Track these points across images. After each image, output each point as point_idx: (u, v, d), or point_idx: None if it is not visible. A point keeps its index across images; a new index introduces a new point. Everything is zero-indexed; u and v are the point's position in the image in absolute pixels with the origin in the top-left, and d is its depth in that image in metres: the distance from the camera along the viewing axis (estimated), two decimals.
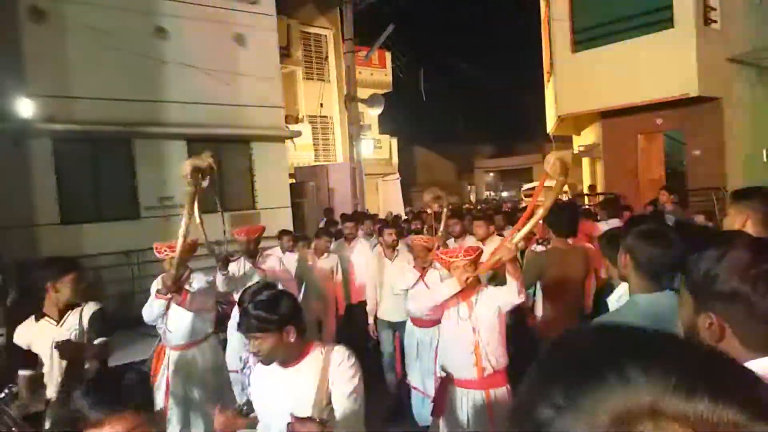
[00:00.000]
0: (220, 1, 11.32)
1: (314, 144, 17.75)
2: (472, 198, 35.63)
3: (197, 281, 4.30)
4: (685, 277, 1.38)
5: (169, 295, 3.95)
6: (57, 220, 9.33)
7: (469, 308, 3.52)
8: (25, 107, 8.76)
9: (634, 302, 2.18)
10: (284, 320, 2.21)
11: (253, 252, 5.11)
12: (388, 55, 21.01)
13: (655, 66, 11.35)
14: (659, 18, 11.60)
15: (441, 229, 5.53)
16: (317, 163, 16.49)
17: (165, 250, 4.21)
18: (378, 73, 20.82)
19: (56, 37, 9.30)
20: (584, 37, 13.01)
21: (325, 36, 18.46)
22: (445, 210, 5.62)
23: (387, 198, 19.30)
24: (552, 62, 14.54)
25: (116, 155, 10.19)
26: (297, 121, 16.78)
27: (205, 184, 4.06)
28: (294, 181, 14.18)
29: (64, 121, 9.21)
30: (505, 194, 37.80)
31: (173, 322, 4.21)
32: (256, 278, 4.74)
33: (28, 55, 9.02)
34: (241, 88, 11.50)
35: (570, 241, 4.48)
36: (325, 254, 6.25)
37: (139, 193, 10.41)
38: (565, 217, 4.44)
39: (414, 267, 4.85)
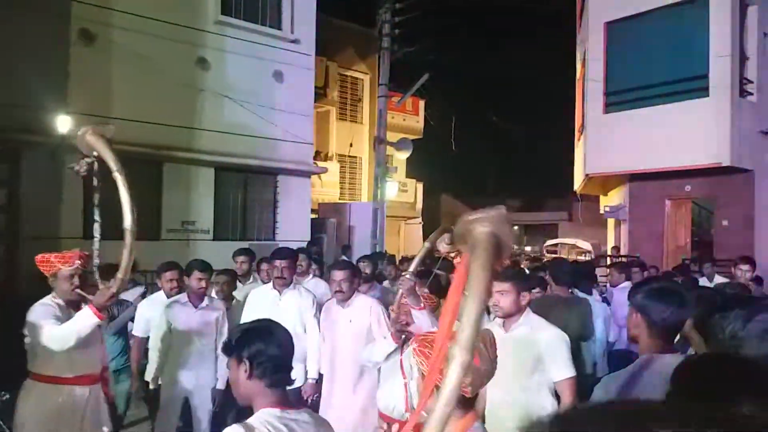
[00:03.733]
0: (262, 38, 11.72)
1: (341, 182, 17.95)
2: None
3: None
4: (704, 339, 1.33)
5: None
6: (80, 234, 9.51)
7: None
8: (65, 124, 9.07)
9: (648, 363, 2.10)
10: None
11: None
12: (421, 103, 21.35)
13: (687, 133, 11.29)
14: (695, 86, 11.59)
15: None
16: (341, 201, 16.64)
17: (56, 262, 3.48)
18: (410, 119, 21.13)
19: (102, 59, 9.69)
20: (617, 99, 13.05)
21: (362, 80, 18.89)
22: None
23: (408, 241, 19.30)
24: (583, 121, 14.59)
25: (145, 176, 10.41)
26: (327, 158, 17.03)
27: (82, 168, 3.23)
28: (316, 216, 14.29)
29: None
30: (528, 248, 37.48)
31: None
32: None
33: (73, 75, 9.40)
34: (273, 122, 11.77)
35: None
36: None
37: (163, 215, 10.59)
38: (566, 267, 4.81)
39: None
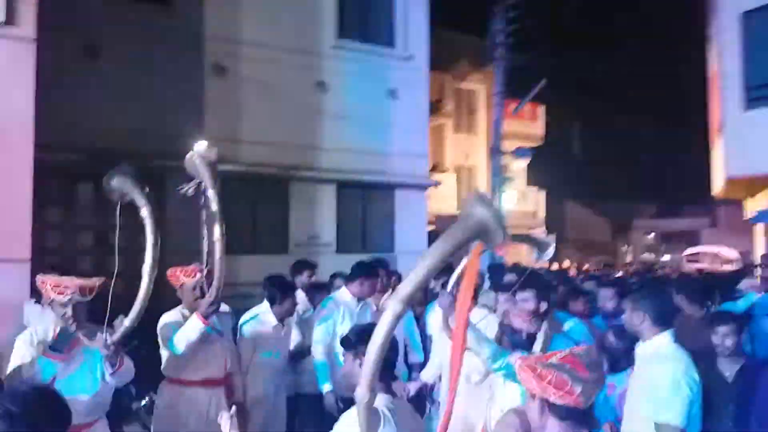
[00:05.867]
0: (377, 58, 12.14)
1: (458, 193, 17.94)
2: (628, 259, 33.30)
3: None
4: None
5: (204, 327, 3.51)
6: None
7: None
8: (202, 147, 9.99)
9: None
10: None
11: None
12: (540, 109, 20.82)
13: None
14: None
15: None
16: (458, 212, 16.59)
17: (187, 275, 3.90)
18: (529, 126, 20.66)
19: (232, 88, 10.57)
20: (759, 94, 11.86)
21: (476, 91, 18.82)
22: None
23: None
24: (721, 120, 13.41)
25: (273, 194, 11.16)
26: (443, 170, 17.14)
27: (190, 189, 3.49)
28: (434, 227, 14.41)
29: (231, 162, 10.34)
30: (666, 258, 34.84)
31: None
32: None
33: (208, 104, 10.34)
34: (390, 138, 12.11)
35: None
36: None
37: (290, 230, 11.26)
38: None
39: None
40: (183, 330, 3.55)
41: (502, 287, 4.55)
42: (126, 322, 2.99)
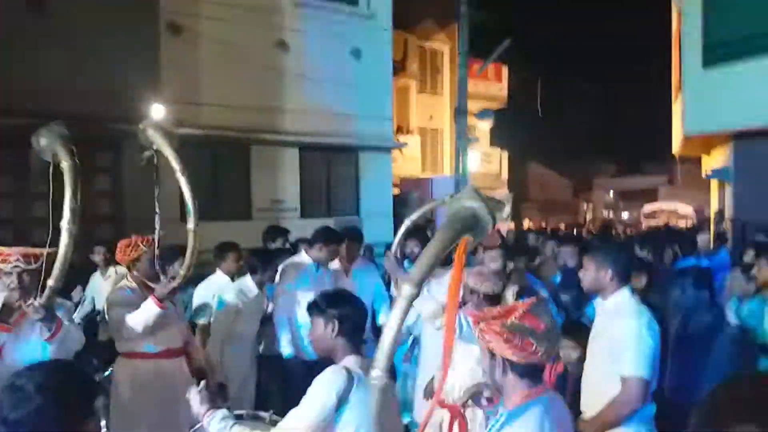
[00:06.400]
0: (339, 17, 11.82)
1: (422, 156, 17.90)
2: (589, 217, 34.11)
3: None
4: None
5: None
6: (177, 216, 10.14)
7: None
8: (158, 112, 9.65)
9: None
10: None
11: None
12: (504, 70, 20.74)
13: None
14: None
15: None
16: (423, 176, 16.62)
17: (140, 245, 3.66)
18: (493, 87, 20.61)
19: (189, 49, 10.17)
20: (718, 53, 12.02)
21: (441, 50, 18.62)
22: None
23: None
24: (681, 78, 13.60)
25: (234, 159, 10.92)
26: (407, 132, 17.03)
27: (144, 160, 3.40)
28: (398, 191, 14.39)
29: (190, 126, 10.02)
30: (625, 215, 35.81)
31: None
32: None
33: (164, 64, 9.93)
34: (353, 99, 11.90)
35: None
36: None
37: (253, 196, 11.07)
38: None
39: None
40: (139, 314, 3.45)
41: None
42: (50, 282, 2.87)
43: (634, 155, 34.75)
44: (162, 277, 3.70)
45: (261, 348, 4.97)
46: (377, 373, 1.71)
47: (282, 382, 4.78)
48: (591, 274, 2.90)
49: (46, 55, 8.43)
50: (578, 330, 3.36)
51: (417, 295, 1.76)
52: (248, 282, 4.57)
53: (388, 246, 4.13)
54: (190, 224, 3.34)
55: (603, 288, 2.88)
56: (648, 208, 26.77)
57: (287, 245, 6.16)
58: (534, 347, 1.80)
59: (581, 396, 2.90)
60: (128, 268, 3.74)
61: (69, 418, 1.56)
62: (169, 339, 3.66)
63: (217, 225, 10.39)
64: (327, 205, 12.16)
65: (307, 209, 11.71)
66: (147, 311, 3.45)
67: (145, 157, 3.39)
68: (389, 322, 1.77)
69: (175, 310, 3.76)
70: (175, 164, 3.31)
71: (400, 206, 13.33)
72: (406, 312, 1.77)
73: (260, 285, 4.58)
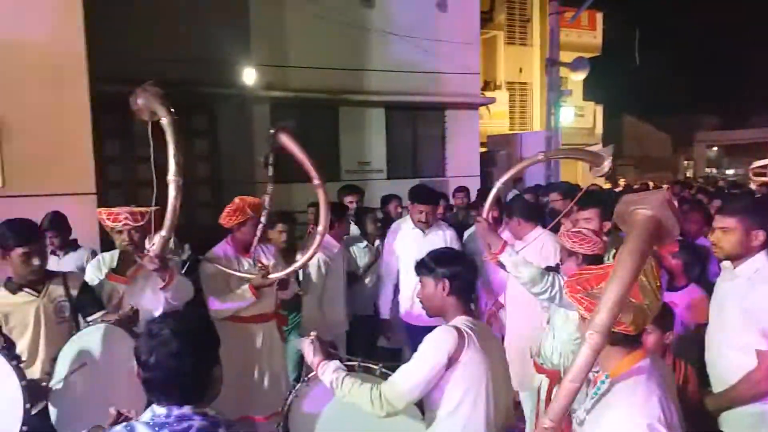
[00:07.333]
0: None
1: (510, 111, 17.31)
2: (689, 174, 32.03)
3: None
4: None
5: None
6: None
7: None
8: (249, 76, 9.85)
9: None
10: None
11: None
12: (599, 16, 19.49)
13: None
14: None
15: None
16: (511, 132, 16.08)
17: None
18: (586, 35, 19.45)
19: (276, 11, 10.22)
20: None
21: None
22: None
23: (587, 171, 18.21)
24: None
25: (323, 121, 11.00)
26: (495, 87, 16.49)
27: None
28: (485, 149, 14.03)
29: (280, 89, 10.17)
30: (730, 172, 33.26)
31: None
32: None
33: (253, 28, 10.07)
34: (439, 55, 11.60)
35: None
36: None
37: (341, 157, 11.16)
38: None
39: None
40: (234, 301, 3.62)
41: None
42: (162, 232, 2.94)
43: (740, 106, 32.05)
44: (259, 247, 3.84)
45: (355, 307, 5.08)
46: (548, 423, 1.61)
47: (370, 341, 4.98)
48: (737, 236, 2.54)
49: (143, 23, 8.76)
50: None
51: (604, 345, 1.60)
52: (329, 239, 4.58)
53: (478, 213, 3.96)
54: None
55: (746, 253, 2.56)
56: (757, 163, 24.69)
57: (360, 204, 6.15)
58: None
59: (707, 369, 2.70)
60: (232, 230, 3.84)
61: (201, 363, 1.63)
62: (261, 306, 3.76)
63: (308, 186, 10.60)
64: (413, 166, 12.06)
65: (393, 170, 11.67)
66: (240, 299, 3.59)
67: (265, 156, 3.48)
68: (572, 370, 1.62)
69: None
70: (313, 173, 3.46)
71: (487, 165, 13.02)
72: (591, 365, 1.62)
73: (338, 239, 4.72)
